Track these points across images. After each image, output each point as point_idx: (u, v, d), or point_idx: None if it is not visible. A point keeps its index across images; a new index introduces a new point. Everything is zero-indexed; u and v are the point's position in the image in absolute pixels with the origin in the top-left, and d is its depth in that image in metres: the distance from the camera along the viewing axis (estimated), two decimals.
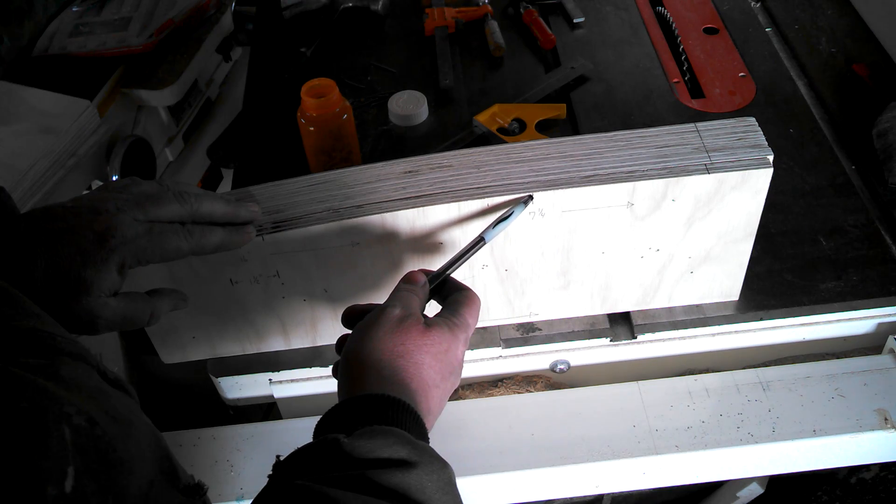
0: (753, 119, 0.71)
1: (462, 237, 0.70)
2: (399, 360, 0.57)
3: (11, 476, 0.35)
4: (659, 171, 0.67)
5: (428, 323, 0.59)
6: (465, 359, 0.79)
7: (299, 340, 0.79)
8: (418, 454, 0.50)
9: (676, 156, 0.68)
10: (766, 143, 0.69)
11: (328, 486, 0.47)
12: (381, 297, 0.75)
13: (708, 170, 0.67)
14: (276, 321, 0.76)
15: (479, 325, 0.79)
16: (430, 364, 0.57)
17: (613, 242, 0.72)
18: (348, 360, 0.59)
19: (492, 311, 0.78)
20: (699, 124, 0.71)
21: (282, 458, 0.52)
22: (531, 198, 0.66)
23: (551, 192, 0.67)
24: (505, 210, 0.66)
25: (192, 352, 0.79)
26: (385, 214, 0.67)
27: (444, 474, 0.51)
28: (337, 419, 0.55)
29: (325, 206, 0.68)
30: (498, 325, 0.80)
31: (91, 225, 0.57)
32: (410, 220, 0.68)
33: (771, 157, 0.68)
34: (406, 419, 0.53)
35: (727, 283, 0.77)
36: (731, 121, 0.71)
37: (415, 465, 0.49)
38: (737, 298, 0.79)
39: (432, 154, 0.71)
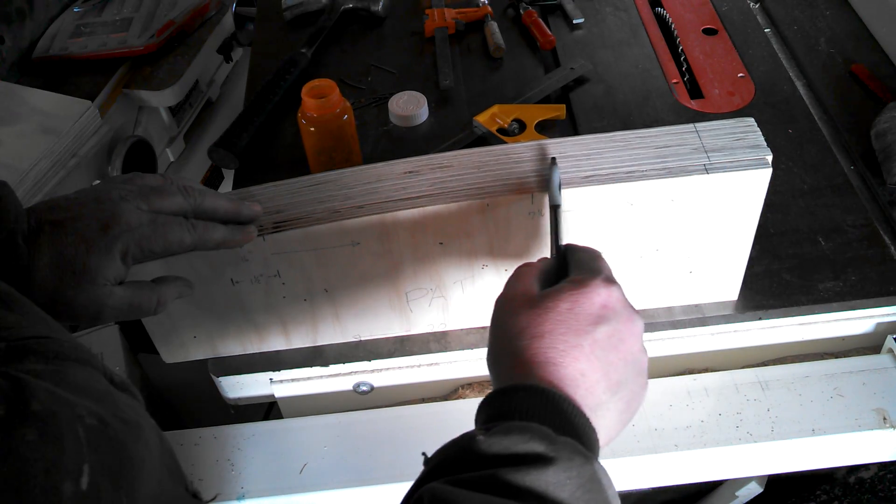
0: (752, 119, 0.71)
1: (463, 237, 0.70)
2: (515, 341, 0.52)
3: (29, 472, 0.35)
4: (658, 172, 0.68)
5: (541, 294, 0.54)
6: (467, 357, 0.80)
7: (300, 340, 0.79)
8: (556, 449, 0.45)
9: (676, 156, 0.69)
10: (765, 143, 0.69)
11: (459, 487, 0.44)
12: (381, 298, 0.75)
13: (707, 170, 0.67)
14: (276, 321, 0.76)
15: (479, 325, 0.80)
16: (551, 330, 0.51)
17: (613, 242, 0.72)
18: (487, 361, 0.56)
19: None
20: (698, 125, 0.71)
21: (427, 456, 0.49)
22: (554, 160, 0.67)
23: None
24: (548, 173, 0.66)
25: (194, 351, 0.79)
26: (385, 215, 0.67)
27: (585, 470, 0.45)
28: (479, 416, 0.52)
29: (325, 207, 0.69)
30: None
31: (95, 213, 0.57)
32: (410, 220, 0.68)
33: (770, 158, 0.68)
34: (536, 403, 0.49)
35: (726, 282, 0.78)
36: (730, 121, 0.71)
37: (552, 462, 0.45)
38: (735, 298, 0.79)
39: (432, 154, 0.72)
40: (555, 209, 0.64)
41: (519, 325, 0.52)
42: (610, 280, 0.55)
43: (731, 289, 0.78)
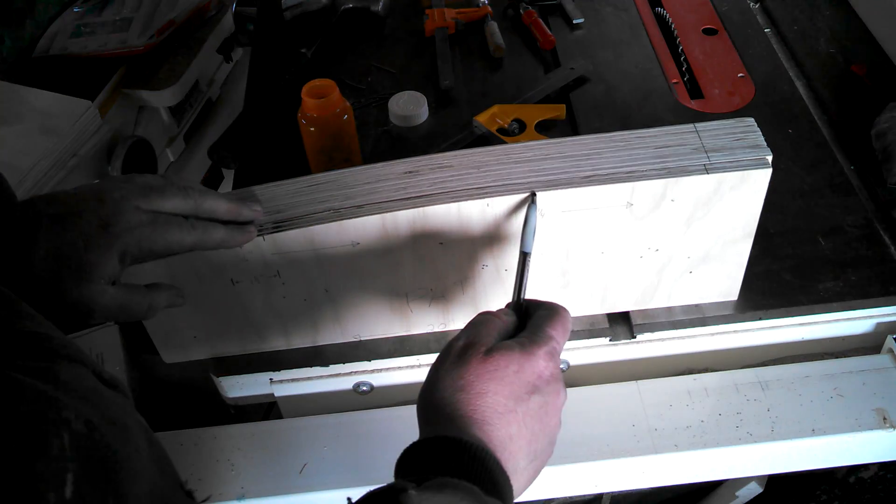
0: (752, 119, 0.71)
1: (463, 237, 0.70)
2: (459, 393, 0.53)
3: (13, 481, 0.35)
4: (658, 172, 0.68)
5: (494, 348, 0.55)
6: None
7: (300, 340, 0.79)
8: None
9: (675, 156, 0.69)
10: (765, 143, 0.69)
11: None
12: (381, 298, 0.75)
13: (707, 170, 0.67)
14: (276, 321, 0.76)
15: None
16: (494, 390, 0.53)
17: (613, 242, 0.72)
18: (419, 399, 0.57)
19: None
20: (698, 125, 0.71)
21: (352, 502, 0.50)
22: (534, 194, 0.66)
23: (551, 192, 0.67)
24: (524, 216, 0.65)
25: (194, 351, 0.79)
26: (385, 215, 0.67)
27: None
28: (408, 461, 0.53)
29: (325, 207, 0.69)
30: None
31: (95, 210, 0.57)
32: (411, 220, 0.68)
33: (770, 158, 0.68)
34: (467, 459, 0.50)
35: (726, 282, 0.78)
36: (730, 121, 0.71)
37: None
38: (735, 298, 0.79)
39: (432, 154, 0.72)
40: (524, 256, 0.61)
41: (466, 378, 0.54)
42: (554, 352, 0.56)
43: (731, 289, 0.78)
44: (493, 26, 1.16)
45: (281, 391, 0.81)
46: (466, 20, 1.19)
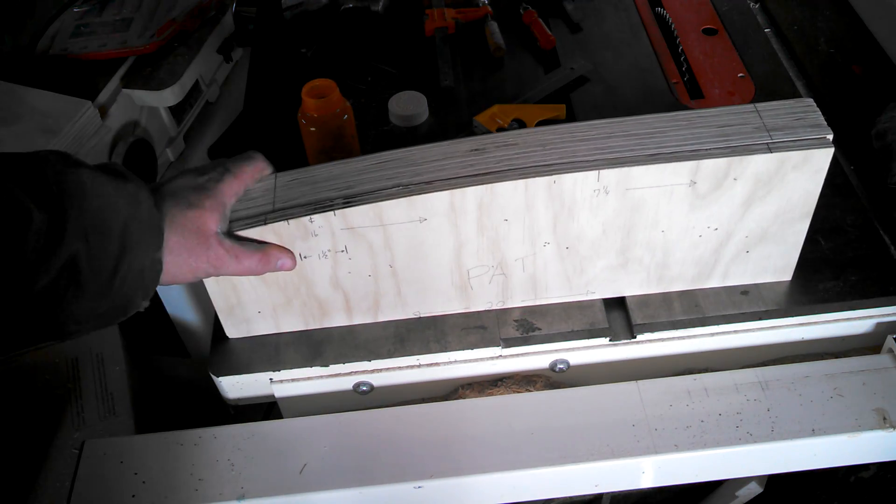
0: (812, 100, 0.72)
1: (527, 214, 0.71)
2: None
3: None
4: (722, 150, 0.68)
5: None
6: (467, 357, 0.80)
7: (361, 316, 0.80)
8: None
9: (738, 135, 0.69)
10: (826, 123, 0.69)
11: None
12: (444, 275, 0.76)
13: (770, 149, 0.67)
14: (340, 297, 0.77)
15: (537, 303, 0.80)
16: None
17: (673, 221, 0.72)
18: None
19: (550, 289, 0.79)
20: (758, 105, 0.71)
21: None
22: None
23: (616, 169, 0.67)
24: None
25: (256, 326, 0.80)
26: (454, 191, 0.68)
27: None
28: None
29: (394, 182, 0.69)
30: (497, 326, 0.80)
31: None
32: (478, 196, 0.69)
33: (831, 137, 0.68)
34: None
35: (781, 262, 0.78)
36: (790, 101, 0.72)
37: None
38: (790, 278, 0.79)
39: (497, 133, 0.72)
40: None
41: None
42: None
43: (785, 268, 0.79)
44: (493, 26, 1.16)
45: (281, 391, 0.81)
46: (466, 20, 1.19)
